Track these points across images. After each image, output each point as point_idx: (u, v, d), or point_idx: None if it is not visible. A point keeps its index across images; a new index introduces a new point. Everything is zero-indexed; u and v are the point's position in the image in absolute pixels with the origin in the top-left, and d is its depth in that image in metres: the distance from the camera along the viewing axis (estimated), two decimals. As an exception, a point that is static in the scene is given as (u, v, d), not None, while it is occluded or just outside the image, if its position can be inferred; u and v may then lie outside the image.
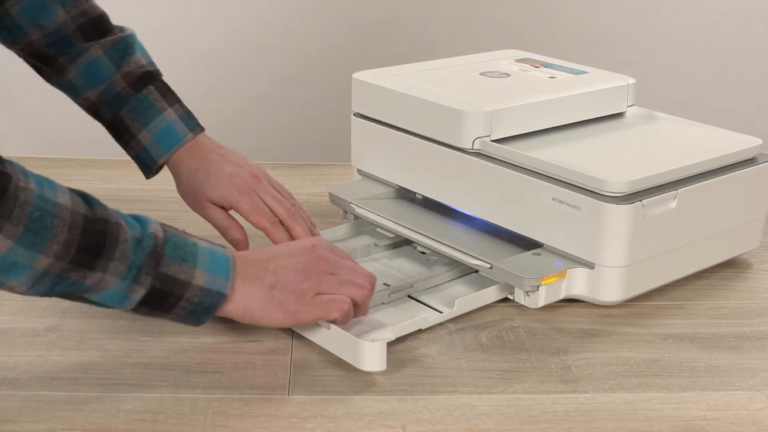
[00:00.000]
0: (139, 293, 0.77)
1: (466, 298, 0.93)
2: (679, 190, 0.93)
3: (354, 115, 1.12)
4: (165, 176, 1.16)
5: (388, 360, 0.83)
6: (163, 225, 0.80)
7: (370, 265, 1.02)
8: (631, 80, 1.11)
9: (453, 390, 0.81)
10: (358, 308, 0.86)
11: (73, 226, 0.73)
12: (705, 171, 0.97)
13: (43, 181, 0.74)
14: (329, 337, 0.84)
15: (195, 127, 1.00)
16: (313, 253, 0.86)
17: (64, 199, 0.74)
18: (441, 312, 0.92)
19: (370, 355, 0.81)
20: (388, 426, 0.76)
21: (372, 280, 0.87)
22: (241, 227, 0.98)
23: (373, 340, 0.81)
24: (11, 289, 0.74)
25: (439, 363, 0.85)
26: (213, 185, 0.97)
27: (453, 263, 0.99)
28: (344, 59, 1.83)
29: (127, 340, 0.87)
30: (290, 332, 0.88)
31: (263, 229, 0.97)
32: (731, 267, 1.06)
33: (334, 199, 1.10)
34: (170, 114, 0.99)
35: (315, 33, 1.83)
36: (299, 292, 0.83)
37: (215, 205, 0.98)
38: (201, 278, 0.79)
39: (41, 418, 0.75)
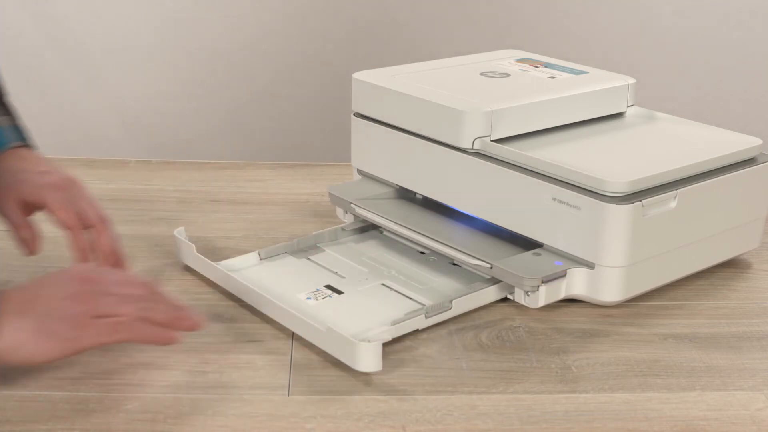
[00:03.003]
0: None
1: (464, 298, 0.93)
2: (679, 190, 0.93)
3: (354, 115, 1.12)
4: (165, 176, 1.16)
5: (389, 360, 0.83)
6: None
7: (335, 249, 1.03)
8: (631, 80, 1.11)
9: (453, 390, 0.81)
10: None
11: None
12: (705, 171, 0.97)
13: None
14: (325, 338, 0.84)
15: (26, 141, 0.99)
16: (77, 276, 0.81)
17: None
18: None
19: (366, 356, 0.81)
20: (388, 426, 0.76)
21: (147, 288, 0.82)
22: (33, 229, 0.95)
23: (368, 341, 0.81)
24: None
25: (439, 363, 0.85)
26: (28, 183, 0.94)
27: (493, 279, 0.96)
28: (344, 59, 1.83)
29: (127, 340, 0.87)
30: (290, 332, 0.88)
31: (69, 228, 0.92)
32: (731, 267, 1.06)
33: (334, 199, 1.10)
34: (2, 121, 0.98)
35: (315, 33, 1.83)
36: (72, 318, 0.77)
37: (25, 201, 0.94)
38: None
39: (41, 418, 0.75)
